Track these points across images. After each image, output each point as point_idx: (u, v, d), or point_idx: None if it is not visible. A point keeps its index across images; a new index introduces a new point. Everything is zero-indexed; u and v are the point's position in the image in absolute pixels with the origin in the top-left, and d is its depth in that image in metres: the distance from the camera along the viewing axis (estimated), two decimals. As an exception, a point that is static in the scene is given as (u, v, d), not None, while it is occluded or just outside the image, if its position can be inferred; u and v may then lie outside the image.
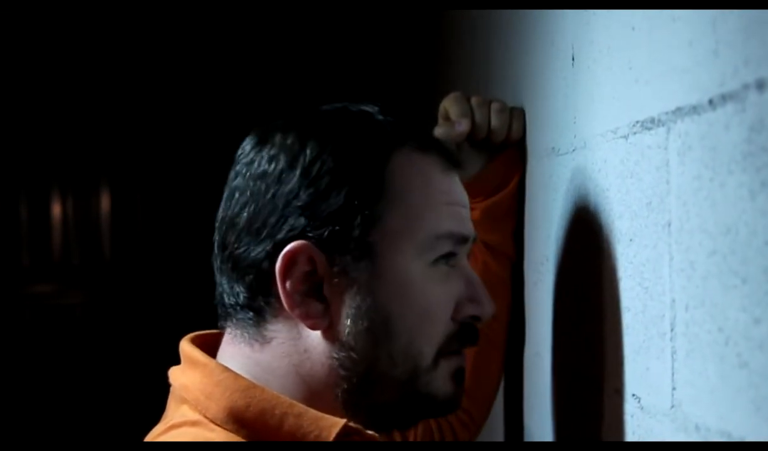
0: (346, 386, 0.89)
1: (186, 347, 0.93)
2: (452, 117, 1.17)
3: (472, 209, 1.20)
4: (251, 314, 0.89)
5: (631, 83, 0.81)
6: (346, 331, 0.87)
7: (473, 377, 1.23)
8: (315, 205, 0.86)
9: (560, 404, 1.11)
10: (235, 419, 0.85)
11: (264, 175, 0.89)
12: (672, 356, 0.72)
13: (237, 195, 0.90)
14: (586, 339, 0.98)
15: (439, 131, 1.18)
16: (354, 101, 0.96)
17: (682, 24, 0.69)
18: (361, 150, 0.88)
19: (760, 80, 0.56)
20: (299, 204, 0.86)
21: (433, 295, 0.89)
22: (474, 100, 1.18)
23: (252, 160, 0.90)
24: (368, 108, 0.93)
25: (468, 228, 0.93)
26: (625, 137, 0.83)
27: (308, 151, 0.87)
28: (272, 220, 0.87)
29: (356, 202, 0.86)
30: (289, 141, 0.89)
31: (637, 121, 0.80)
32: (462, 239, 0.92)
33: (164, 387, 0.96)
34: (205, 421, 0.86)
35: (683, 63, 0.69)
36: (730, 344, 0.61)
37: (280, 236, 0.87)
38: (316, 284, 0.87)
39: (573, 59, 1.01)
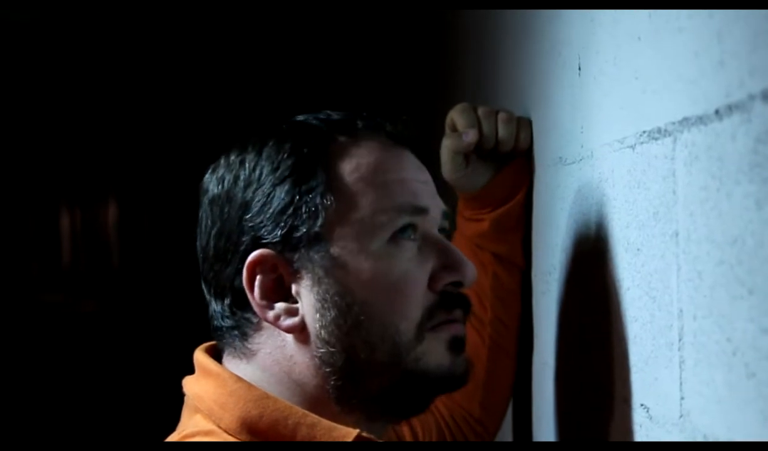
0: (333, 382, 0.89)
1: (200, 356, 0.94)
2: (459, 128, 1.17)
3: (480, 220, 1.21)
4: (236, 331, 0.92)
5: (638, 93, 0.81)
6: (318, 325, 0.88)
7: (486, 387, 1.23)
8: (263, 212, 0.89)
9: (568, 414, 1.11)
10: (249, 429, 0.86)
11: (217, 198, 0.92)
12: (680, 366, 0.72)
13: (202, 224, 0.94)
14: (594, 349, 0.98)
15: (446, 143, 1.18)
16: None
17: (688, 35, 0.70)
18: (294, 149, 0.90)
19: (766, 91, 0.56)
20: (250, 215, 0.89)
21: (396, 271, 0.89)
22: (481, 111, 1.18)
23: (207, 187, 0.94)
24: (313, 115, 0.96)
25: (423, 199, 0.92)
26: (632, 147, 0.83)
27: (247, 164, 0.91)
28: (234, 238, 0.90)
29: (297, 198, 0.89)
30: (231, 159, 0.93)
31: (644, 131, 0.80)
32: (416, 210, 0.91)
33: (175, 394, 0.97)
34: (219, 431, 0.87)
35: (690, 73, 0.69)
36: (738, 354, 0.61)
37: (242, 249, 0.90)
38: (286, 287, 0.89)
39: (579, 69, 1.02)
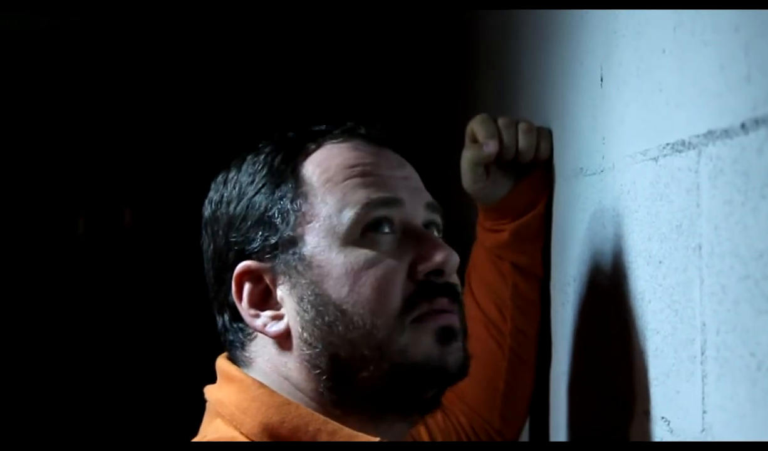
0: (324, 384, 0.90)
1: (222, 363, 0.96)
2: (480, 139, 1.17)
3: (501, 231, 1.21)
4: (237, 343, 0.95)
5: (662, 106, 0.81)
6: (300, 328, 0.90)
7: (505, 398, 1.23)
8: (244, 225, 0.93)
9: (587, 425, 1.10)
10: (270, 434, 0.88)
11: (208, 221, 0.97)
12: (702, 380, 0.72)
13: (203, 249, 0.99)
14: (614, 361, 0.98)
15: (467, 154, 1.18)
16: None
17: (714, 48, 0.69)
18: (267, 160, 0.94)
19: (794, 106, 0.56)
20: (234, 231, 0.94)
21: (368, 265, 0.90)
22: (501, 122, 1.18)
23: (202, 212, 0.99)
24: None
25: (396, 191, 0.93)
26: (655, 159, 0.83)
27: (229, 184, 0.96)
28: (224, 256, 0.94)
29: (270, 206, 0.92)
30: (217, 181, 0.98)
31: (668, 144, 0.80)
32: (386, 201, 0.92)
33: (194, 402, 0.98)
34: (240, 436, 0.88)
35: (715, 87, 0.69)
36: (763, 369, 0.61)
37: (230, 265, 0.93)
38: (273, 295, 0.92)
39: (602, 80, 1.01)
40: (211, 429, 0.91)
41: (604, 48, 1.00)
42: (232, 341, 0.95)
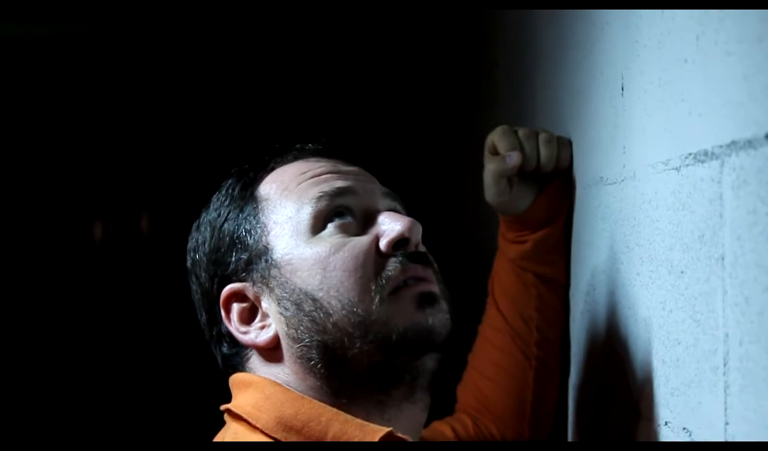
0: (321, 375, 0.94)
1: (235, 376, 0.99)
2: (501, 151, 1.17)
3: (524, 242, 1.21)
4: (239, 367, 0.99)
5: (684, 115, 0.81)
6: (286, 328, 0.94)
7: (534, 408, 1.23)
8: (219, 254, 0.99)
9: (607, 435, 1.10)
10: (285, 426, 0.91)
11: (191, 269, 1.03)
12: (725, 391, 0.72)
13: (193, 299, 1.05)
14: (635, 370, 0.98)
15: (491, 166, 1.18)
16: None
17: (737, 58, 0.69)
18: (230, 188, 1.02)
19: (820, 117, 0.56)
20: (213, 264, 1.00)
21: (335, 250, 0.94)
22: (521, 133, 1.17)
23: (186, 266, 1.05)
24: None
25: (347, 181, 0.99)
26: (677, 169, 0.83)
27: (202, 227, 1.02)
28: (210, 292, 1.00)
29: (238, 226, 0.99)
30: (191, 231, 1.05)
31: (690, 154, 0.80)
32: (340, 191, 0.97)
33: (210, 407, 1.02)
34: (258, 435, 0.92)
35: (738, 97, 0.69)
36: (787, 380, 0.61)
37: (217, 296, 0.99)
38: (260, 310, 0.97)
39: (623, 89, 1.01)
40: (228, 433, 0.95)
41: (624, 58, 1.00)
42: (234, 366, 1.00)
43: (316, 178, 0.99)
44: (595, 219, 1.13)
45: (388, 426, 0.91)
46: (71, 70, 4.03)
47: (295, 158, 1.03)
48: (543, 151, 1.17)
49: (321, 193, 0.97)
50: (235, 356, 0.99)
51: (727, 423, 0.72)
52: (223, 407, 0.98)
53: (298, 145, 1.05)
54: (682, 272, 0.83)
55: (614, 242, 1.05)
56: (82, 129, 4.08)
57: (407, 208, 1.06)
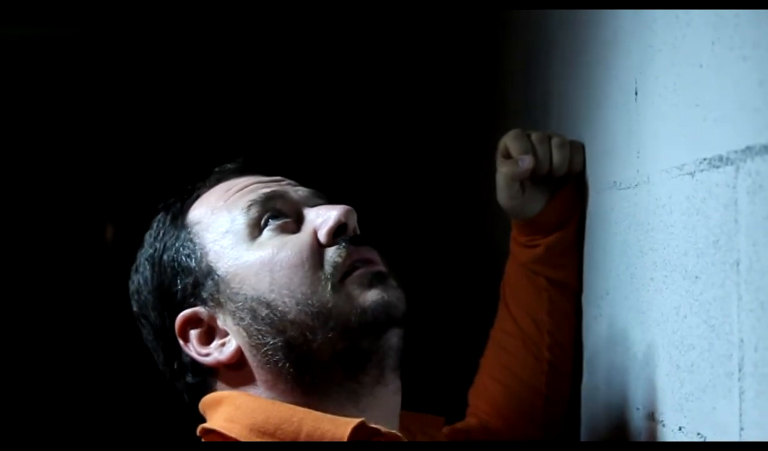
0: (289, 375, 0.94)
1: (204, 398, 0.99)
2: (514, 154, 1.17)
3: (536, 246, 1.21)
4: (208, 390, 0.99)
5: (699, 120, 0.81)
6: (246, 337, 0.95)
7: (546, 412, 1.23)
8: (164, 288, 1.00)
9: (618, 439, 1.10)
10: (258, 433, 0.91)
11: (138, 313, 1.04)
12: (740, 397, 0.72)
13: (147, 343, 1.05)
14: (648, 375, 0.98)
15: (503, 170, 1.18)
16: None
17: (753, 63, 0.69)
18: (158, 230, 1.03)
19: (836, 123, 0.56)
20: (158, 294, 1.00)
21: (276, 250, 0.95)
22: (535, 137, 1.17)
23: (133, 312, 1.06)
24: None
25: (272, 188, 1.01)
26: (692, 174, 0.83)
27: (138, 271, 1.03)
28: (164, 328, 1.00)
29: (176, 256, 0.99)
30: (131, 275, 1.06)
31: (705, 159, 0.79)
32: (269, 197, 0.99)
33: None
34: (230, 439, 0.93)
35: (754, 102, 0.69)
36: (803, 386, 0.61)
37: (171, 328, 0.98)
38: (218, 330, 0.97)
39: (636, 93, 1.01)
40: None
41: (639, 62, 1.00)
42: (203, 394, 0.99)
43: (242, 191, 1.01)
44: (609, 224, 1.13)
45: (363, 417, 0.91)
46: (84, 71, 4.04)
47: (218, 180, 1.05)
48: (556, 155, 1.17)
49: (250, 202, 0.99)
50: (202, 384, 0.99)
51: (742, 429, 0.72)
52: (198, 429, 0.97)
53: (217, 168, 1.07)
54: (696, 278, 0.82)
55: (627, 246, 1.05)
56: (94, 131, 4.10)
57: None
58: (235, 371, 0.96)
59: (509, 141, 1.18)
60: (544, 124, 1.47)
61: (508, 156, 1.18)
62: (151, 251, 1.02)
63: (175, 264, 0.99)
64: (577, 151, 1.20)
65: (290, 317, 0.93)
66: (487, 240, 2.00)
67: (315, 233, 0.97)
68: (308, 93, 3.94)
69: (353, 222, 0.98)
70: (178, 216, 1.03)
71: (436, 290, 2.71)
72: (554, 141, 1.18)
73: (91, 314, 4.11)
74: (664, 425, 0.92)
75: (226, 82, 4.02)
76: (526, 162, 1.15)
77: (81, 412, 3.98)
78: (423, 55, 3.08)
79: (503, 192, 1.19)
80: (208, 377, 0.99)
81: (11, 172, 4.05)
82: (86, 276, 4.14)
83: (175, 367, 1.01)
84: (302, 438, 0.90)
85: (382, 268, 0.98)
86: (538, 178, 1.19)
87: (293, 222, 0.99)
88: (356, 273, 0.95)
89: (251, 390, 0.96)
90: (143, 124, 4.09)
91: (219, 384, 0.98)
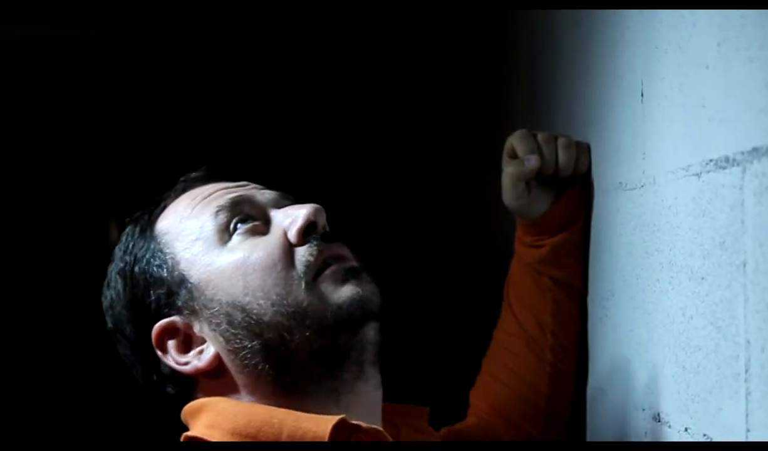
0: (270, 377, 0.94)
1: (185, 407, 0.99)
2: (520, 154, 1.17)
3: (541, 246, 1.21)
4: (190, 398, 0.98)
5: (705, 121, 0.81)
6: (224, 342, 0.95)
7: (547, 413, 1.23)
8: (137, 301, 0.99)
9: (624, 441, 1.10)
10: (240, 436, 0.91)
11: (113, 329, 1.04)
12: (746, 398, 0.72)
13: (126, 359, 1.04)
14: (654, 376, 0.98)
15: (509, 169, 1.18)
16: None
17: (759, 64, 0.69)
18: (127, 243, 1.03)
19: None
20: (132, 307, 1.00)
21: (248, 253, 0.95)
22: (541, 137, 1.18)
23: (108, 329, 1.06)
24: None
25: (231, 194, 1.01)
26: (698, 175, 0.83)
27: (109, 287, 1.03)
28: (142, 341, 0.99)
29: (147, 268, 0.99)
30: (102, 293, 1.06)
31: (711, 160, 0.79)
32: (235, 202, 0.99)
33: None
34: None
35: (760, 103, 0.69)
36: (810, 388, 0.61)
37: (149, 342, 0.98)
38: (195, 337, 0.97)
39: (642, 95, 1.01)
40: None
41: (644, 63, 1.00)
42: (185, 402, 0.98)
43: (209, 198, 1.01)
44: (614, 225, 1.12)
45: (345, 414, 0.91)
46: (85, 71, 4.05)
47: (184, 190, 1.05)
48: (561, 156, 1.17)
49: (218, 208, 0.99)
50: (183, 394, 0.99)
51: (748, 430, 0.72)
52: (182, 438, 0.97)
53: (182, 178, 1.07)
54: (702, 279, 0.82)
55: (633, 247, 1.05)
56: (97, 132, 4.10)
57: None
58: (215, 379, 0.96)
59: (515, 141, 1.18)
60: (550, 125, 1.47)
61: (514, 156, 1.18)
62: (121, 264, 1.02)
63: (147, 275, 0.99)
64: (583, 151, 1.20)
65: (266, 319, 0.93)
66: (492, 240, 2.00)
67: (285, 234, 0.97)
68: (315, 93, 3.94)
69: (322, 220, 0.98)
70: (147, 228, 1.02)
71: (439, 289, 2.71)
72: (560, 141, 1.18)
73: (95, 313, 4.11)
74: (670, 426, 0.92)
75: (226, 83, 4.02)
76: (532, 162, 1.15)
77: (83, 412, 3.99)
78: (429, 54, 3.08)
79: (509, 192, 1.19)
80: (188, 386, 0.99)
81: (14, 173, 4.06)
82: (90, 276, 4.14)
83: (155, 379, 1.00)
84: (284, 438, 0.90)
85: (354, 263, 0.98)
86: (543, 179, 1.19)
87: (262, 225, 0.99)
88: (329, 270, 0.96)
89: (232, 396, 0.96)
90: (146, 124, 4.10)
91: (199, 393, 0.98)
